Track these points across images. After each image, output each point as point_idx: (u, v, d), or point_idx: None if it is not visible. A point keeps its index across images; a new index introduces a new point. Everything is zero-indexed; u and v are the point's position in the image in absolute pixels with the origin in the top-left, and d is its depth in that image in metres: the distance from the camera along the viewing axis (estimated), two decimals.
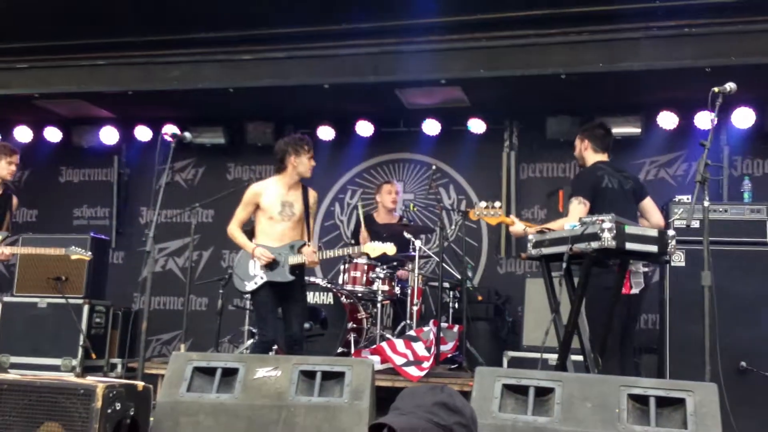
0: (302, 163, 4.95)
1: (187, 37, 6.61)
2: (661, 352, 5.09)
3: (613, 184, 4.53)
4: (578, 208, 4.39)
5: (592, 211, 4.31)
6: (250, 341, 5.91)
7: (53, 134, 8.08)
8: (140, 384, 3.24)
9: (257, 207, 4.92)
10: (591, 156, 4.74)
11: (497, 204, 4.66)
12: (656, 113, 6.74)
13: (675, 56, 5.86)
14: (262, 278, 4.83)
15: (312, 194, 5.15)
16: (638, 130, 6.85)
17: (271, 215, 4.91)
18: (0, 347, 6.26)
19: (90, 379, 3.14)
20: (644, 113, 6.82)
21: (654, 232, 3.87)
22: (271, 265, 4.81)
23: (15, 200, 5.99)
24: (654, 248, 3.80)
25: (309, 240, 5.04)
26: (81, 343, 6.04)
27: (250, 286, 4.83)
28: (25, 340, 6.23)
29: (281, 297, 4.88)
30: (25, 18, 6.47)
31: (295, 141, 4.97)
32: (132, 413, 3.09)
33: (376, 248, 4.95)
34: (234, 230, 4.98)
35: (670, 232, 3.89)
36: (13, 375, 3.11)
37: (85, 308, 6.18)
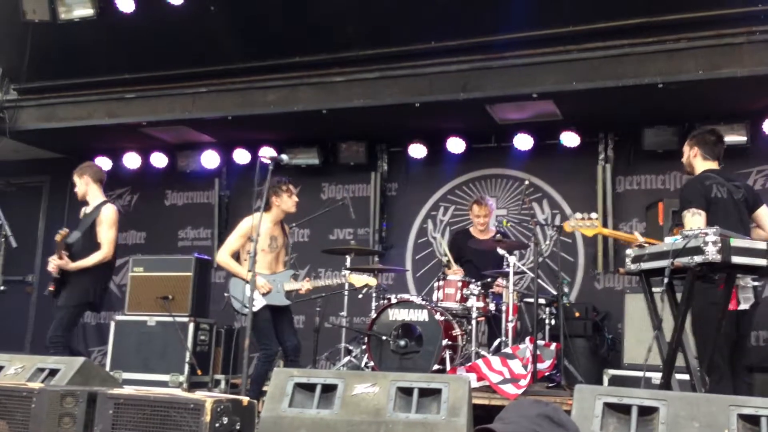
0: (284, 202, 5.54)
1: (282, 62, 6.85)
2: None
3: (722, 194, 4.33)
4: (695, 219, 4.19)
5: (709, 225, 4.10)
6: (347, 358, 6.01)
7: (159, 159, 8.51)
8: (245, 399, 3.35)
9: (248, 239, 5.17)
10: (700, 164, 4.55)
11: (594, 215, 4.56)
12: (762, 120, 6.44)
13: None
14: (260, 302, 5.28)
15: (286, 228, 5.81)
16: (744, 138, 6.56)
17: (262, 247, 5.41)
18: (113, 363, 6.60)
19: (199, 394, 3.28)
20: (749, 121, 6.54)
21: (763, 245, 3.69)
22: (267, 292, 5.37)
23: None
24: (763, 262, 3.63)
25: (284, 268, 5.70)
26: (187, 359, 6.30)
27: (246, 311, 5.09)
28: (135, 356, 6.55)
29: (275, 318, 5.41)
30: (131, 50, 6.88)
31: (274, 185, 5.49)
32: (238, 427, 3.20)
33: (360, 279, 5.53)
34: (225, 258, 5.50)
35: None
36: (128, 390, 3.29)
37: (191, 326, 6.45)
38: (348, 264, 6.19)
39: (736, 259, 3.57)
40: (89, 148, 8.54)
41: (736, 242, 3.63)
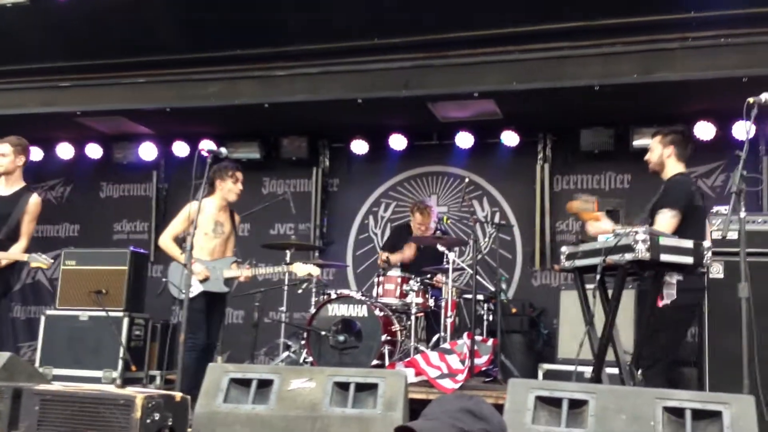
0: (226, 187, 5.45)
1: (223, 54, 6.74)
2: (701, 365, 5.00)
3: (700, 202, 4.36)
4: (671, 221, 4.17)
5: (680, 230, 4.12)
6: (286, 353, 5.97)
7: (94, 151, 8.29)
8: (178, 395, 3.30)
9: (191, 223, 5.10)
10: (673, 165, 4.53)
11: (592, 198, 4.57)
12: (693, 124, 6.66)
13: (712, 66, 5.80)
14: (197, 288, 5.19)
15: (237, 217, 5.71)
16: None
17: (205, 231, 5.38)
18: (43, 359, 6.40)
19: (129, 390, 3.21)
20: (682, 124, 6.72)
21: (689, 244, 3.83)
22: (205, 278, 5.28)
23: None
24: (689, 260, 3.77)
25: (233, 252, 5.62)
26: (121, 355, 6.15)
27: (183, 296, 5.02)
28: (67, 352, 6.35)
29: (208, 306, 5.31)
30: (66, 38, 6.68)
31: (221, 167, 5.44)
32: (170, 423, 3.15)
33: (303, 268, 5.47)
34: (167, 242, 5.43)
35: (706, 244, 3.85)
36: (56, 386, 3.20)
37: (125, 321, 6.29)
38: (288, 259, 6.15)
39: (665, 257, 3.69)
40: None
41: (665, 241, 3.76)
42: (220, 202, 5.48)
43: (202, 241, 5.33)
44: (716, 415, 2.81)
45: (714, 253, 4.34)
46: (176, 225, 5.43)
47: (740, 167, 3.72)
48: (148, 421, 2.99)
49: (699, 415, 2.84)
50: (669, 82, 5.94)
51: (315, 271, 5.48)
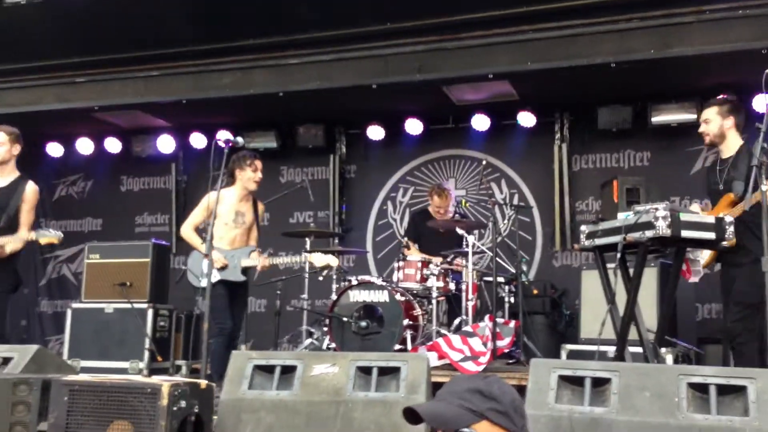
0: (246, 176, 5.45)
1: (236, 44, 6.75)
2: (725, 341, 4.96)
3: None
4: None
5: None
6: (308, 341, 6.01)
7: (113, 145, 8.35)
8: (203, 382, 3.34)
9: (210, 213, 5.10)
10: (734, 138, 4.42)
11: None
12: (712, 98, 6.56)
13: (728, 39, 5.72)
14: (215, 276, 5.16)
15: (260, 206, 5.71)
16: (694, 116, 6.67)
17: (225, 221, 5.39)
18: (70, 352, 6.49)
19: (156, 379, 3.26)
20: (699, 99, 6.65)
21: (711, 219, 3.80)
22: (223, 267, 5.29)
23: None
24: (711, 235, 3.74)
25: (256, 241, 5.63)
26: (147, 346, 6.23)
27: (204, 283, 5.04)
28: (93, 344, 6.44)
29: (230, 294, 5.34)
30: (81, 34, 6.72)
31: (239, 157, 5.45)
32: (196, 410, 3.19)
33: (322, 259, 5.42)
34: (188, 232, 5.45)
35: (728, 219, 3.82)
36: (84, 376, 3.25)
37: (150, 312, 6.36)
38: (308, 247, 6.18)
39: (686, 233, 3.67)
40: (40, 133, 8.34)
41: (686, 216, 3.73)
42: (241, 192, 5.49)
43: (222, 230, 5.37)
44: (741, 390, 2.79)
45: None
46: (196, 215, 5.47)
47: (761, 140, 3.68)
48: (175, 408, 3.03)
49: (724, 390, 2.82)
50: (686, 57, 5.86)
51: (333, 261, 5.45)
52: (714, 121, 4.44)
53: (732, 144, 4.41)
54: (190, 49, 6.87)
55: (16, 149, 5.34)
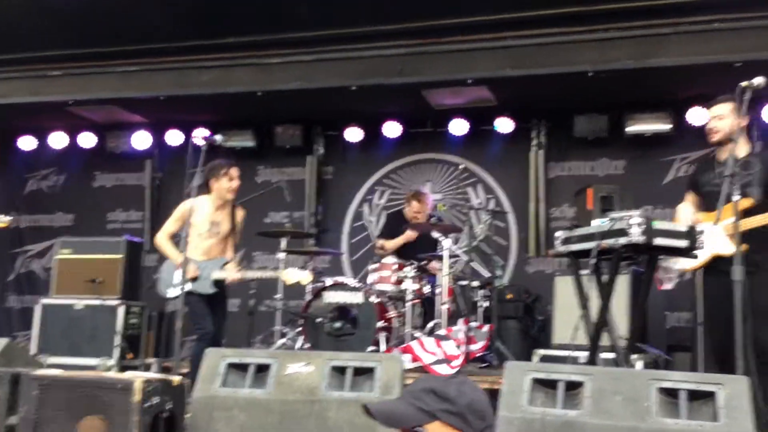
0: (222, 186, 5.32)
1: (217, 42, 6.71)
2: (694, 349, 5.04)
3: None
4: None
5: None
6: (282, 341, 5.98)
7: (87, 140, 8.24)
8: (176, 379, 3.32)
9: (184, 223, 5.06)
10: (745, 139, 4.19)
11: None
12: (686, 109, 6.68)
13: (704, 51, 5.82)
14: (187, 286, 5.02)
15: (240, 213, 5.55)
16: (669, 127, 6.81)
17: (200, 232, 5.28)
18: (39, 348, 6.40)
19: (129, 374, 3.22)
20: (674, 110, 6.78)
21: (683, 228, 3.86)
22: (194, 278, 5.16)
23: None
24: (684, 243, 3.80)
25: (233, 254, 5.52)
26: (117, 343, 6.17)
27: (172, 293, 5.15)
28: (63, 340, 6.36)
29: (208, 300, 5.23)
30: (58, 26, 6.63)
31: (214, 167, 5.30)
32: (169, 407, 3.16)
33: (293, 276, 5.25)
34: (162, 241, 5.33)
35: (700, 227, 3.88)
36: (55, 371, 3.20)
37: (121, 309, 6.31)
38: (283, 246, 6.16)
39: (659, 241, 3.72)
40: (12, 126, 8.23)
41: (659, 224, 3.79)
42: (217, 202, 5.36)
43: (196, 240, 5.25)
44: (710, 395, 2.84)
45: None
46: (170, 224, 5.34)
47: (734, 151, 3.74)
48: (147, 404, 3.01)
49: (693, 395, 2.87)
50: (663, 68, 5.96)
51: (305, 279, 5.30)
52: (728, 118, 4.14)
53: (742, 145, 4.11)
54: (170, 45, 6.81)
55: None
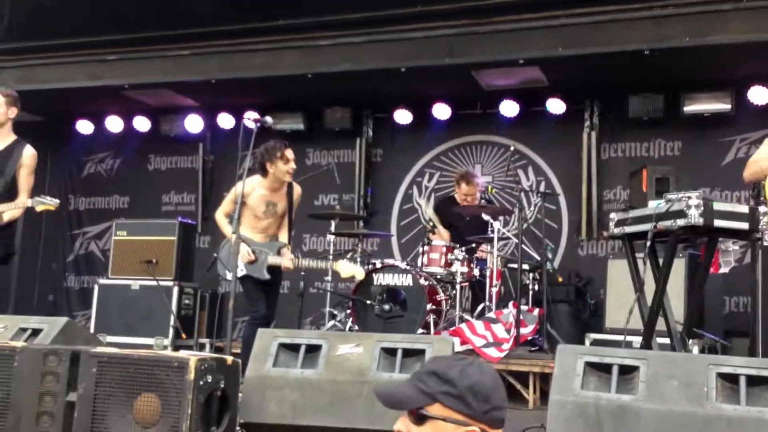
0: (278, 169, 5.22)
1: (266, 24, 6.75)
2: (753, 334, 4.90)
3: None
4: None
5: None
6: (331, 322, 6.03)
7: (142, 123, 8.40)
8: (229, 358, 3.35)
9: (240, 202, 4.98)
10: None
11: None
12: (746, 88, 6.47)
13: (765, 28, 5.61)
14: (242, 270, 5.10)
15: (296, 191, 5.48)
16: (728, 107, 6.60)
17: (255, 213, 5.26)
18: (96, 327, 6.59)
19: (183, 353, 3.28)
20: (734, 89, 6.56)
21: (745, 209, 3.73)
22: (250, 262, 5.15)
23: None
24: (744, 225, 3.67)
25: (290, 231, 5.47)
26: (172, 323, 6.30)
27: (229, 275, 5.00)
28: (119, 320, 6.54)
29: (263, 283, 5.23)
30: (112, 11, 6.76)
31: (269, 149, 5.22)
32: (222, 386, 3.20)
33: (347, 269, 5.22)
34: (221, 219, 5.32)
35: (762, 209, 3.75)
36: (112, 349, 3.28)
37: (175, 290, 6.43)
38: (332, 228, 6.19)
39: (719, 222, 3.61)
40: (70, 110, 8.43)
41: (719, 206, 3.67)
42: (274, 184, 5.31)
43: (252, 221, 5.26)
44: None
45: None
46: (227, 204, 5.35)
47: None
48: (201, 382, 3.04)
49: (754, 381, 2.78)
50: (721, 45, 5.77)
51: (359, 274, 5.26)
52: None
53: None
54: (219, 29, 6.88)
55: (13, 112, 4.98)
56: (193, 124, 8.16)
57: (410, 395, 1.60)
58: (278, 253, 5.27)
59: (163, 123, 8.32)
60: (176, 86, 7.53)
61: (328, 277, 6.14)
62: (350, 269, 5.23)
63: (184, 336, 6.29)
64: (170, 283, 6.46)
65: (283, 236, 5.45)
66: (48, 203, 4.78)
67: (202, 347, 6.52)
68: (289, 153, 5.28)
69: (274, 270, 5.24)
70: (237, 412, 3.32)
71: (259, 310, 5.14)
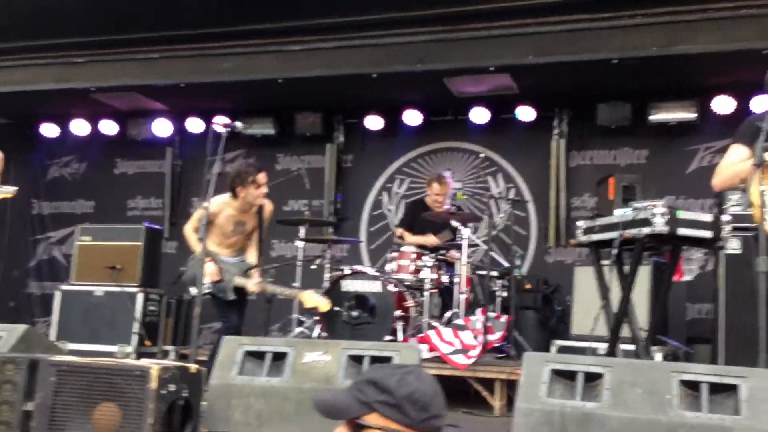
0: (249, 194, 5.11)
1: (238, 29, 6.69)
2: (715, 341, 4.97)
3: None
4: None
5: None
6: (299, 329, 5.98)
7: (109, 127, 8.27)
8: (193, 366, 3.31)
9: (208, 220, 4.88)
10: None
11: None
12: (711, 98, 6.56)
13: (732, 38, 5.69)
14: (208, 288, 4.99)
15: (267, 209, 5.35)
16: (693, 116, 6.69)
17: (224, 232, 5.19)
18: (58, 334, 6.46)
19: (145, 361, 3.23)
20: (699, 98, 6.65)
21: (708, 217, 3.79)
22: (217, 281, 5.05)
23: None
24: (708, 234, 3.73)
25: (260, 248, 5.35)
26: (135, 330, 6.20)
27: (194, 291, 4.91)
28: (82, 327, 6.41)
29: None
30: (81, 13, 6.65)
31: (241, 174, 5.10)
32: (185, 394, 3.16)
33: (311, 300, 5.03)
34: (189, 234, 5.19)
35: (725, 218, 3.81)
36: (72, 357, 3.21)
37: (140, 296, 6.33)
38: (301, 234, 6.15)
39: (683, 231, 3.65)
40: (35, 113, 8.29)
41: (683, 214, 3.72)
42: (244, 206, 5.19)
43: (220, 238, 5.19)
44: (732, 388, 2.78)
45: (735, 228, 4.29)
46: (195, 219, 5.21)
47: (762, 140, 3.64)
48: (163, 392, 3.00)
49: (715, 388, 2.81)
50: (689, 55, 5.84)
51: (323, 306, 5.06)
52: None
53: None
54: (191, 33, 6.80)
55: None
56: (162, 127, 8.06)
57: (348, 405, 1.58)
58: (245, 274, 5.17)
59: (130, 126, 8.20)
60: (145, 89, 7.44)
61: (297, 284, 6.10)
62: (314, 300, 5.06)
63: (148, 343, 6.20)
64: (135, 289, 6.36)
65: (252, 255, 5.35)
66: (5, 191, 4.67)
67: (166, 354, 6.42)
68: (261, 177, 5.15)
69: (240, 290, 5.15)
70: (200, 421, 3.27)
71: (232, 320, 5.07)
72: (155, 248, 6.80)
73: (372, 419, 1.56)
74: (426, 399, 1.58)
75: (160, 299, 6.60)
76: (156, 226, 6.99)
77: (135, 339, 6.19)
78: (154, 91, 7.49)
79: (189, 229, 5.24)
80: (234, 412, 3.45)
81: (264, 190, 5.19)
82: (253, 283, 5.10)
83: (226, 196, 5.16)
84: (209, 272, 4.98)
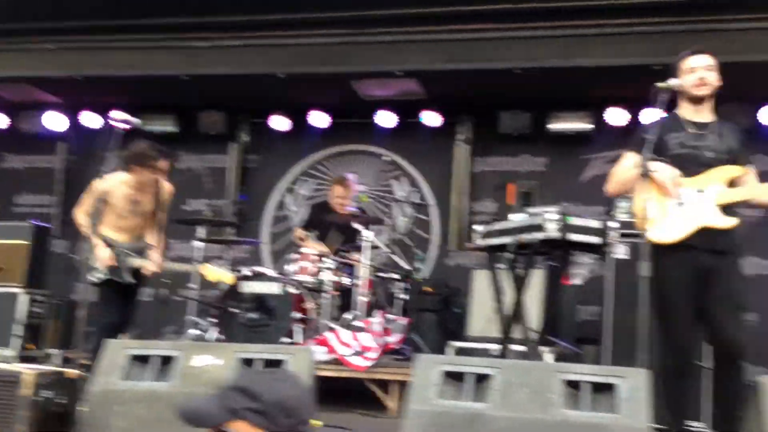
0: (144, 176, 4.84)
1: (141, 22, 6.49)
2: (600, 342, 5.16)
3: None
4: None
5: None
6: (194, 331, 5.81)
7: None
8: (72, 372, 3.15)
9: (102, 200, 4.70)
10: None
11: None
12: (605, 109, 6.83)
13: (625, 53, 5.95)
14: (105, 275, 4.74)
15: (166, 188, 5.05)
16: (589, 126, 6.94)
17: (119, 212, 4.86)
18: None
19: (19, 367, 3.04)
20: (595, 109, 6.90)
21: (597, 224, 3.92)
22: (111, 266, 4.77)
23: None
24: (596, 239, 3.86)
25: (159, 236, 5.05)
26: (14, 332, 5.86)
27: (91, 279, 4.73)
28: None
29: (123, 288, 4.87)
30: None
31: (138, 154, 4.80)
32: (62, 401, 3.00)
33: (214, 274, 4.89)
34: (80, 218, 4.87)
35: (612, 225, 3.95)
36: None
37: (22, 297, 6.00)
38: (200, 235, 5.99)
39: (573, 237, 3.76)
40: None
41: (574, 221, 3.83)
42: (139, 185, 4.88)
43: (116, 220, 4.86)
44: (611, 388, 2.87)
45: (622, 235, 4.47)
46: (86, 201, 4.90)
47: (646, 151, 3.79)
48: (37, 398, 2.84)
49: (596, 387, 2.89)
50: (586, 68, 6.06)
51: (227, 279, 4.97)
52: (715, 71, 3.58)
53: (712, 109, 3.64)
54: (90, 24, 6.55)
55: None
56: (53, 121, 7.69)
57: (213, 412, 1.54)
58: (142, 254, 4.90)
59: (21, 119, 7.79)
60: (38, 81, 7.11)
61: (194, 285, 5.93)
62: (217, 274, 4.90)
63: (30, 346, 5.87)
64: (18, 290, 6.02)
65: (150, 237, 5.04)
66: None
67: (49, 357, 6.10)
68: (163, 164, 4.87)
69: (138, 274, 4.89)
70: (78, 429, 3.11)
71: (112, 319, 4.76)
72: (43, 247, 6.46)
73: (239, 426, 1.52)
74: (294, 405, 1.56)
75: (46, 301, 6.27)
76: (44, 224, 6.64)
77: (16, 342, 5.85)
78: (48, 83, 7.17)
79: (80, 213, 4.89)
80: (115, 420, 3.28)
81: (161, 177, 4.93)
82: (149, 263, 4.83)
83: (121, 174, 4.84)
84: (101, 257, 4.68)
